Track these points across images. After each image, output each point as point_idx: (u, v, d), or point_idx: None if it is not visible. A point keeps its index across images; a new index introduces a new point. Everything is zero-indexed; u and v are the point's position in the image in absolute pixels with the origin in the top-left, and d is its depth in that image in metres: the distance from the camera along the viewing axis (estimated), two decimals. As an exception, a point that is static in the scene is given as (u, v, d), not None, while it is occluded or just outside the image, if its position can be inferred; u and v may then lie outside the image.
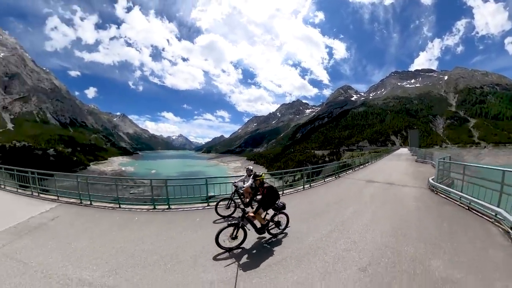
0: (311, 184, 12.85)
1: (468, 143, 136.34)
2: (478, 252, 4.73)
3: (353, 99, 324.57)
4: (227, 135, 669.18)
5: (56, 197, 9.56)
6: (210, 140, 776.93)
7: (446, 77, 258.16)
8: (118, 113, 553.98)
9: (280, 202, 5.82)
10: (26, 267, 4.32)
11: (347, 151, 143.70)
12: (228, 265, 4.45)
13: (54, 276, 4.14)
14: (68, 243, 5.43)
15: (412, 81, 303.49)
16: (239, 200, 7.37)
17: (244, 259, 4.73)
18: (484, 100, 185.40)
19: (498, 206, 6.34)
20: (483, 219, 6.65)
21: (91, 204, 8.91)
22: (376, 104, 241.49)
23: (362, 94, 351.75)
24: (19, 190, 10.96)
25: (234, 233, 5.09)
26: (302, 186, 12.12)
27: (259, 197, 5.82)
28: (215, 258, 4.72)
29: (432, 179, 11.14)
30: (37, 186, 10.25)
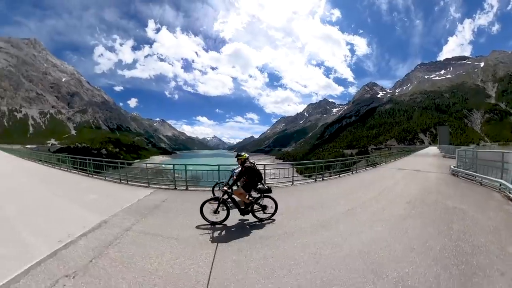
0: (333, 175, 14.44)
1: (511, 140, 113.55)
2: (480, 201, 7.23)
3: (379, 96, 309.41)
4: (256, 136, 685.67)
5: (146, 184, 10.26)
6: (241, 140, 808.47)
7: (482, 64, 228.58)
8: (157, 119, 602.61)
9: (266, 186, 5.75)
10: (166, 239, 4.47)
11: (375, 150, 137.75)
12: (209, 235, 4.61)
13: (190, 239, 4.46)
14: (188, 217, 5.67)
15: (442, 72, 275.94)
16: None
17: (222, 235, 4.76)
18: None
19: (501, 179, 8.16)
20: (489, 189, 8.60)
21: (187, 189, 9.58)
22: (402, 100, 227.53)
23: (388, 90, 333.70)
24: (107, 178, 11.97)
25: (216, 208, 5.01)
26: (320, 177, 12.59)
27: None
28: (197, 227, 4.94)
29: (454, 166, 12.60)
30: (126, 175, 11.21)
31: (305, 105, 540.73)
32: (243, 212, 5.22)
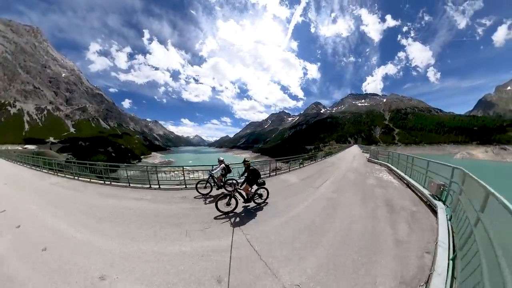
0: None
1: (391, 143, 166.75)
2: (377, 169, 13.06)
3: (322, 111, 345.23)
4: (231, 135, 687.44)
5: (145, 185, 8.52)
6: (218, 139, 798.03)
7: (384, 100, 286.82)
8: (149, 119, 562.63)
9: (261, 180, 5.89)
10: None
11: (323, 146, 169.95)
12: (225, 222, 4.74)
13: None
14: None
15: (363, 101, 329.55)
16: (213, 182, 7.18)
17: (237, 218, 4.92)
18: (406, 118, 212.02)
19: (387, 162, 14.61)
20: (382, 166, 14.39)
21: (185, 187, 8.16)
22: (338, 116, 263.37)
23: (328, 108, 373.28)
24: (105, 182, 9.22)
25: (228, 201, 5.15)
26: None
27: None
28: (215, 218, 4.92)
29: (368, 157, 19.66)
30: (128, 177, 8.83)
31: (267, 114, 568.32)
32: (246, 201, 5.60)
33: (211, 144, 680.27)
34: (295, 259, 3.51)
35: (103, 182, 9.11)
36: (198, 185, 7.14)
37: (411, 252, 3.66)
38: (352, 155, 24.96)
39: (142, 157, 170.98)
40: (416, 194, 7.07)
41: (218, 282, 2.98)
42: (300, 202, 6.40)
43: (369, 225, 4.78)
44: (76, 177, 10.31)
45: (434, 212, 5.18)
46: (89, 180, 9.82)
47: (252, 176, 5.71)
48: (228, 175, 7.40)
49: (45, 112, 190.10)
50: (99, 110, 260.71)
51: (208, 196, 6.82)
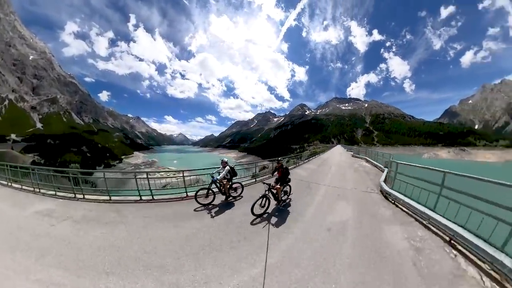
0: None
1: (371, 144, 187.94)
2: (358, 161, 19.06)
3: (307, 113, 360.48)
4: (216, 134, 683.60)
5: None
6: (202, 137, 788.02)
7: (366, 105, 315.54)
8: (130, 115, 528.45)
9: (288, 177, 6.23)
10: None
11: (308, 146, 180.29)
12: (260, 222, 4.90)
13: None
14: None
15: (346, 105, 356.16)
16: (216, 189, 6.37)
17: (272, 218, 5.10)
18: (384, 122, 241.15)
19: (366, 158, 23.44)
20: (363, 160, 20.33)
21: (187, 195, 7.04)
22: (323, 118, 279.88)
23: (313, 110, 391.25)
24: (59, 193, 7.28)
25: (263, 203, 5.24)
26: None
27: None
28: (251, 223, 4.85)
29: (352, 155, 26.72)
30: (107, 189, 6.84)
31: (253, 113, 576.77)
32: (278, 200, 5.78)
33: (195, 143, 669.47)
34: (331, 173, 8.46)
35: (73, 195, 7.02)
36: (198, 195, 6.11)
37: (375, 179, 9.22)
38: (339, 153, 31.11)
39: (123, 157, 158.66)
40: (378, 168, 13.35)
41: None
42: (326, 175, 11.62)
43: (358, 177, 10.54)
44: (36, 188, 7.78)
45: (382, 171, 10.78)
46: (54, 192, 7.44)
47: (286, 175, 5.96)
48: (233, 178, 6.72)
49: (6, 102, 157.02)
50: (72, 102, 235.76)
51: (211, 206, 5.95)
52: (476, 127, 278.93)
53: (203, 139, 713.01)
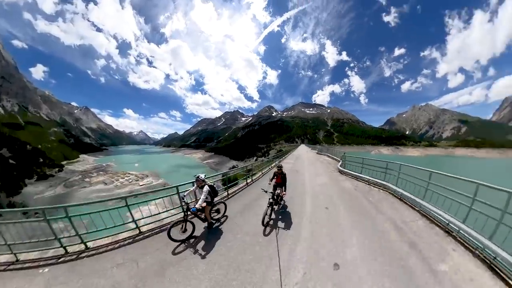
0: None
1: (331, 143, 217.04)
2: (323, 157, 26.16)
3: (274, 115, 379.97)
4: (180, 132, 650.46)
5: None
6: (165, 136, 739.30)
7: (329, 111, 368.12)
8: (75, 103, 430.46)
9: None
10: None
11: (274, 145, 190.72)
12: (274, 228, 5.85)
13: None
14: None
15: (311, 109, 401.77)
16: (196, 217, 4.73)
17: (279, 222, 5.21)
18: (343, 126, 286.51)
19: (327, 154, 36.42)
20: (325, 156, 27.26)
21: (139, 233, 4.85)
22: (288, 120, 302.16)
23: (280, 112, 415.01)
24: None
25: (268, 212, 4.95)
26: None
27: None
28: (264, 234, 4.60)
29: (317, 152, 36.89)
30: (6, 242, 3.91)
31: (221, 111, 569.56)
32: (277, 203, 5.72)
33: (157, 143, 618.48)
34: (304, 163, 13.16)
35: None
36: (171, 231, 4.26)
37: (332, 168, 14.21)
38: (306, 151, 37.54)
39: (64, 162, 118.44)
40: (336, 160, 18.78)
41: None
42: (303, 166, 16.33)
43: (325, 165, 15.56)
44: None
45: (339, 161, 16.13)
46: None
47: (284, 180, 5.83)
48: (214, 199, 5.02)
49: None
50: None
51: (193, 241, 4.43)
52: (407, 133, 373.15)
53: (166, 137, 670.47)
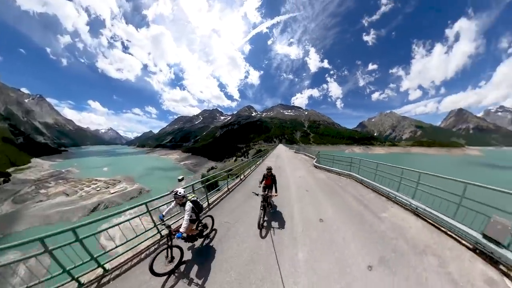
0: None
1: (308, 143, 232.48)
2: (298, 155, 28.11)
3: (253, 115, 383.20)
4: (155, 131, 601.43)
5: None
6: (139, 134, 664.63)
7: (306, 113, 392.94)
8: (25, 90, 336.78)
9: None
10: None
11: (253, 145, 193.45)
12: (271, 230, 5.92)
13: None
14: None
15: (290, 111, 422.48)
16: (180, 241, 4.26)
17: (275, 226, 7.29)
18: (319, 127, 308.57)
19: (304, 153, 38.82)
20: (303, 154, 30.66)
21: (104, 275, 3.61)
22: (267, 120, 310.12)
23: (259, 113, 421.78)
24: None
25: (262, 215, 5.00)
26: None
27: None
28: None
29: (294, 151, 44.32)
30: None
31: (199, 109, 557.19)
32: (269, 206, 5.69)
33: (130, 142, 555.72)
34: (282, 159, 15.04)
35: None
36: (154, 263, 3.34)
37: (308, 164, 16.39)
38: (284, 151, 39.98)
39: (11, 170, 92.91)
40: (312, 158, 21.29)
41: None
42: (284, 163, 18.09)
43: (302, 162, 17.67)
44: None
45: (314, 158, 18.49)
46: None
47: (274, 181, 5.87)
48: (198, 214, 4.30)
49: None
50: None
51: (184, 269, 3.70)
52: (375, 134, 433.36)
53: (140, 136, 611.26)
